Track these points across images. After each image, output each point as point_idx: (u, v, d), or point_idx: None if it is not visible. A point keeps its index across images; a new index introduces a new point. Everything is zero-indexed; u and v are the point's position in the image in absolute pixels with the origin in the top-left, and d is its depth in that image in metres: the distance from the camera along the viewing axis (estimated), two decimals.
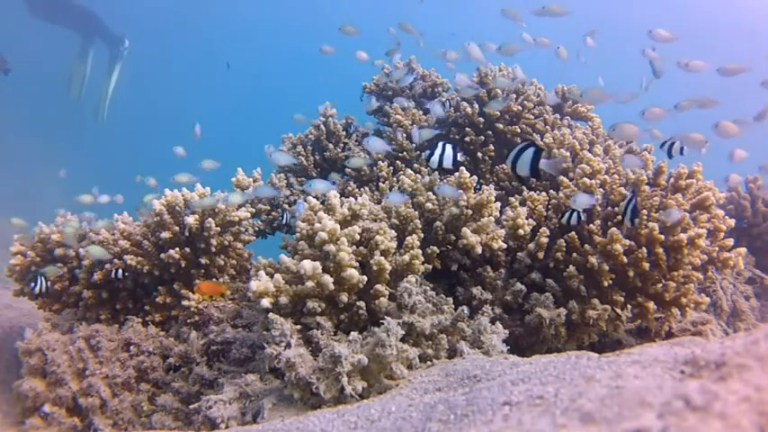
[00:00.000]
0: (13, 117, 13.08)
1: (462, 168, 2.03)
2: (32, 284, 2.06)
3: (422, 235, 1.93)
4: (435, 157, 2.06)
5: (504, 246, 1.97)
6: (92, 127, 9.91)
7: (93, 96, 9.08)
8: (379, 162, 2.80)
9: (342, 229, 1.72)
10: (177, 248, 2.05)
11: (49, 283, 2.08)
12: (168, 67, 21.24)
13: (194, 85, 21.81)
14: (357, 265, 1.71)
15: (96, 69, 8.84)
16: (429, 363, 1.54)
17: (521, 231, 1.99)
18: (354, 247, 1.75)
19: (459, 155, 2.07)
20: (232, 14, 21.84)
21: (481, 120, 2.80)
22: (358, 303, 1.69)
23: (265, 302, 1.63)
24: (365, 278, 1.68)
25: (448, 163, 2.06)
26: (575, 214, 1.91)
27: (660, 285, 1.87)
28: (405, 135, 2.87)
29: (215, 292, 2.02)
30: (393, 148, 2.91)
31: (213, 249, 2.12)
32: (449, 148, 2.05)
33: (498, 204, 1.99)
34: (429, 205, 2.01)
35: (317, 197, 2.00)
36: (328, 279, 1.62)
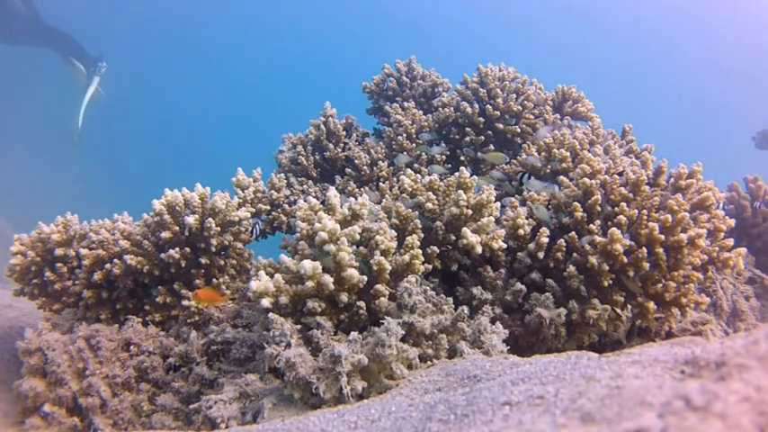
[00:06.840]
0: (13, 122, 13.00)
1: (462, 168, 2.03)
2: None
3: (422, 235, 1.93)
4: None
5: (504, 246, 1.97)
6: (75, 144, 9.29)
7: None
8: (379, 162, 2.81)
9: (342, 228, 1.72)
10: (177, 248, 2.05)
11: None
12: (165, 70, 21.21)
13: (192, 86, 21.79)
14: (357, 264, 1.71)
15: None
16: (429, 363, 1.54)
17: (521, 231, 1.99)
18: (354, 246, 1.75)
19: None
20: (231, 14, 21.83)
21: (481, 120, 2.80)
22: (358, 303, 1.69)
23: (265, 302, 1.63)
24: (365, 278, 1.68)
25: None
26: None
27: (660, 285, 1.87)
28: (405, 135, 2.87)
29: (213, 300, 2.01)
30: (393, 147, 2.92)
31: (213, 249, 2.12)
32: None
33: (498, 204, 1.99)
34: (429, 205, 2.01)
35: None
36: (328, 279, 1.62)
